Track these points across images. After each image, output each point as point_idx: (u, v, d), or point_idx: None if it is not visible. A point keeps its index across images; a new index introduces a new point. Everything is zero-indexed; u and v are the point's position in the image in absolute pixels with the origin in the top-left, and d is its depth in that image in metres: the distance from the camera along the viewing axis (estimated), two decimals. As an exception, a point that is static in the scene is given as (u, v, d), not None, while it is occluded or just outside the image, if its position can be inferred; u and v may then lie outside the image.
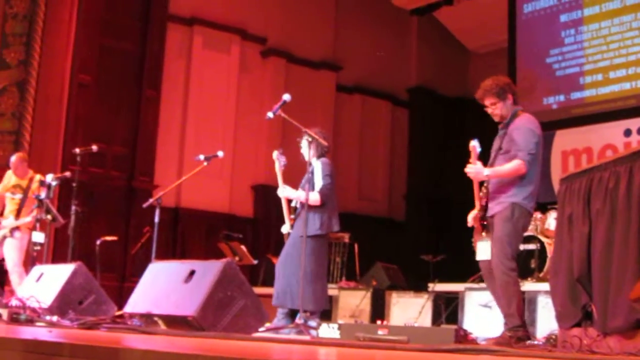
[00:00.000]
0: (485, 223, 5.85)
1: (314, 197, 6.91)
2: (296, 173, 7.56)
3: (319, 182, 7.07)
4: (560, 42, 11.22)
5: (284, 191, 7.25)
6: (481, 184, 5.98)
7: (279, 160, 7.30)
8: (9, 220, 9.03)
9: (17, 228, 9.01)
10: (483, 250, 5.80)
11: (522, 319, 5.67)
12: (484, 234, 5.82)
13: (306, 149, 7.19)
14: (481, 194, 5.91)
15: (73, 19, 11.90)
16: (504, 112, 6.01)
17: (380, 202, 15.19)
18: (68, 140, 11.43)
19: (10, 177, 9.34)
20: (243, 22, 13.66)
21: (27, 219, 8.92)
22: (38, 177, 9.15)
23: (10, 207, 9.18)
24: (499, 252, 5.71)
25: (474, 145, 5.76)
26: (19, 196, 9.13)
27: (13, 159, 9.40)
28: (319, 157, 7.25)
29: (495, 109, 6.00)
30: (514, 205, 5.78)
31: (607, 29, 10.66)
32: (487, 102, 6.01)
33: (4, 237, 9.02)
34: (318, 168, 7.14)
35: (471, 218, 5.94)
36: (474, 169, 5.73)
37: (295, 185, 7.33)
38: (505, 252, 5.71)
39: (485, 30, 14.08)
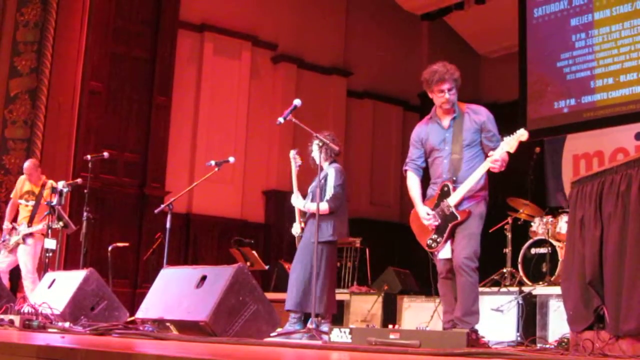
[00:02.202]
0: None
1: (323, 207, 6.96)
2: (306, 176, 7.58)
3: (330, 190, 7.10)
4: (571, 46, 11.19)
5: (296, 200, 7.32)
6: None
7: (295, 160, 7.33)
8: (22, 227, 9.09)
9: (30, 235, 9.06)
10: (447, 248, 5.58)
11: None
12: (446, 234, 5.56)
13: (317, 154, 7.21)
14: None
15: (84, 27, 11.95)
16: (455, 101, 5.72)
17: (391, 207, 15.14)
18: (79, 147, 11.47)
19: (23, 183, 9.39)
20: (254, 28, 13.68)
21: (39, 226, 8.97)
22: (50, 183, 9.19)
23: (23, 213, 9.24)
24: (472, 249, 5.46)
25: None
26: (31, 203, 9.19)
27: (27, 164, 9.47)
28: (330, 162, 7.27)
29: (452, 94, 5.64)
30: (486, 202, 5.62)
31: (617, 33, 10.62)
32: (446, 86, 5.61)
33: (17, 244, 9.08)
34: (331, 176, 7.16)
35: (432, 217, 5.59)
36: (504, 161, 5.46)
37: (305, 188, 7.36)
38: (477, 250, 5.48)
39: (496, 35, 14.04)
